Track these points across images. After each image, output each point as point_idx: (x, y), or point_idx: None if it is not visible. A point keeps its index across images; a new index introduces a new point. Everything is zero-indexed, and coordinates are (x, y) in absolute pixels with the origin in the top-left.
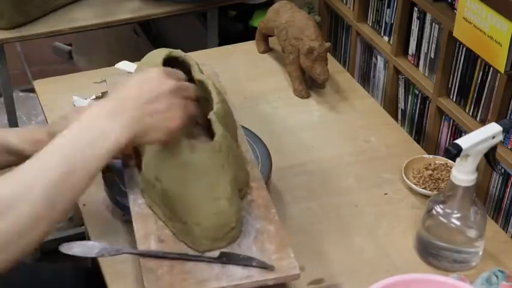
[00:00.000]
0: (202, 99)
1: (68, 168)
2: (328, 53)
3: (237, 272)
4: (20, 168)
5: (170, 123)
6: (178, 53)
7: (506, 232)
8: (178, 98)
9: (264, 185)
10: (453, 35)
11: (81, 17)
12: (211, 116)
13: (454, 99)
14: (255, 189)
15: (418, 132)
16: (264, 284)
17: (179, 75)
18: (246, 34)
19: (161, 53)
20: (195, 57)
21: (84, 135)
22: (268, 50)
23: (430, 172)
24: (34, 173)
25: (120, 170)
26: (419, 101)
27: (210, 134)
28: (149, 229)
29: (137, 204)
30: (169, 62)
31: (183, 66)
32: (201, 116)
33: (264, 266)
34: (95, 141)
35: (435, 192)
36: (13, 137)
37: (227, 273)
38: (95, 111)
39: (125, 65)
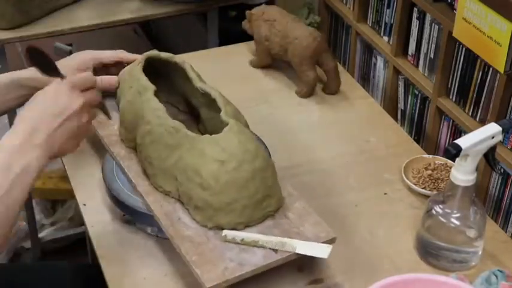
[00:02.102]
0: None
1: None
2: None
3: None
4: None
5: (80, 138)
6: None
7: (506, 232)
8: (86, 110)
9: None
10: (453, 35)
11: (81, 17)
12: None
13: (454, 99)
14: None
15: (418, 132)
16: None
17: (87, 80)
18: (246, 34)
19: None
20: (195, 57)
21: (8, 174)
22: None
23: (429, 172)
24: None
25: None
26: (419, 101)
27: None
28: None
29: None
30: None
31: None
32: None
33: None
34: (19, 178)
35: (435, 192)
36: (20, 71)
37: None
38: (9, 148)
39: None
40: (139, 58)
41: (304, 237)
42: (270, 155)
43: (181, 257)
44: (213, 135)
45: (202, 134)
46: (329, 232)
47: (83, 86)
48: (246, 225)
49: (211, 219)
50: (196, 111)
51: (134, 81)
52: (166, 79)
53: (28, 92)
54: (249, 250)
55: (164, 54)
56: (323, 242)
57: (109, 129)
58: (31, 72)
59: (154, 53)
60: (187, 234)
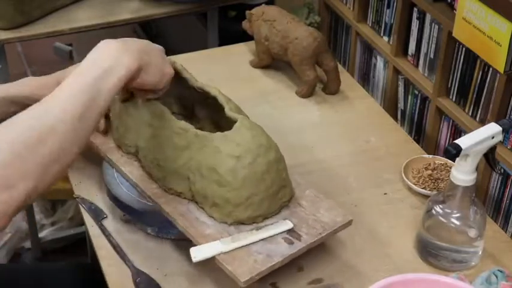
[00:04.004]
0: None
1: (89, 101)
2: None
3: None
4: (44, 103)
5: (165, 70)
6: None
7: (506, 232)
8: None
9: None
10: (453, 35)
11: (81, 17)
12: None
13: (454, 99)
14: None
15: (418, 132)
16: None
17: None
18: (246, 34)
19: None
20: (195, 57)
21: (97, 68)
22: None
23: (429, 172)
24: (59, 108)
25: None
26: (418, 101)
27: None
28: None
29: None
30: None
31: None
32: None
33: None
34: (108, 71)
35: (435, 192)
36: (14, 87)
37: None
38: (102, 48)
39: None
40: None
41: (322, 222)
42: None
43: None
44: (224, 132)
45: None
46: (345, 215)
47: None
48: (265, 218)
49: (230, 215)
50: (190, 111)
51: None
52: None
53: (19, 108)
54: (273, 241)
55: None
56: (340, 226)
57: (102, 137)
58: (22, 89)
59: None
60: (209, 233)
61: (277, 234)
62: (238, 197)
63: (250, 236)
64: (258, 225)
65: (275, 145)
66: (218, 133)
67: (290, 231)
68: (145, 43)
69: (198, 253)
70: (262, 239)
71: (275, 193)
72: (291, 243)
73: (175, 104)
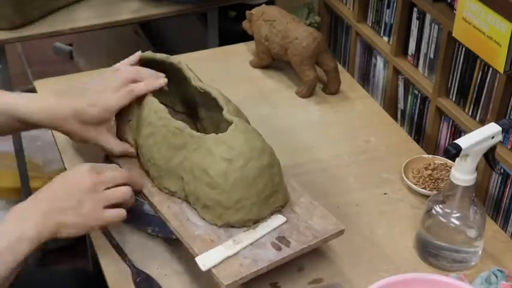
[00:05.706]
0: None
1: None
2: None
3: None
4: None
5: (88, 220)
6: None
7: (506, 232)
8: (98, 193)
9: None
10: (452, 35)
11: (81, 18)
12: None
13: (454, 99)
14: None
15: (418, 132)
16: None
17: (110, 167)
18: (246, 34)
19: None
20: (195, 57)
21: (3, 241)
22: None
23: (429, 172)
24: None
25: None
26: (418, 101)
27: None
28: None
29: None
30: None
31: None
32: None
33: None
34: (13, 246)
35: (435, 192)
36: (23, 106)
37: None
38: (13, 214)
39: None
40: (134, 60)
41: (313, 230)
42: None
43: (192, 257)
44: (218, 134)
45: (201, 133)
46: (337, 224)
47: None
48: (255, 222)
49: (220, 218)
50: (194, 111)
51: None
52: None
53: (23, 126)
54: (262, 246)
55: (159, 55)
56: (331, 235)
57: None
58: (31, 109)
59: (149, 54)
60: (198, 234)
61: (271, 231)
62: (228, 200)
63: (249, 235)
64: (252, 225)
65: (270, 149)
66: (212, 135)
67: (279, 237)
68: (65, 188)
69: (205, 261)
70: (251, 243)
71: (267, 198)
72: (279, 249)
73: (179, 103)
